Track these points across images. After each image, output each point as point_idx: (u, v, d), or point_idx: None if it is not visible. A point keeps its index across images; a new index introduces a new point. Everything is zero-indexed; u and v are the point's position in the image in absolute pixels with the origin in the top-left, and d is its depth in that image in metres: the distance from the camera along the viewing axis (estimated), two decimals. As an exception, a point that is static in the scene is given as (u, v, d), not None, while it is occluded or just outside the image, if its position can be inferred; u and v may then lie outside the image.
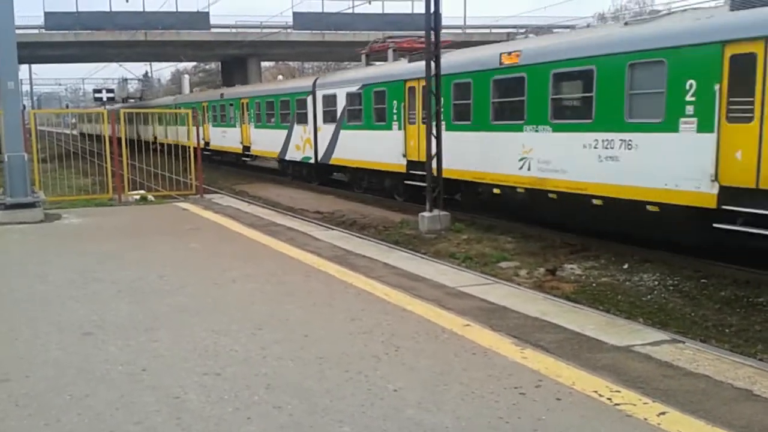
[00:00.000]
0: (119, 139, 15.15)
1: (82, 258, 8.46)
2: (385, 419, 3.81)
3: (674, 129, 10.30)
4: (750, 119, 9.34)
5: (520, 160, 13.30)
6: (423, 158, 16.08)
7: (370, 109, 18.82)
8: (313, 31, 43.34)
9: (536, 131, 12.93)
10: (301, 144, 23.29)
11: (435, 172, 14.32)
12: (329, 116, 21.20)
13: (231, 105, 30.30)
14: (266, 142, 26.37)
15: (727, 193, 9.66)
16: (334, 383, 4.32)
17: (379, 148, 18.28)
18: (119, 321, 5.75)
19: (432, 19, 14.07)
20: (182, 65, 77.55)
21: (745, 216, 9.47)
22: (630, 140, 11.05)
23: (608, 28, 13.25)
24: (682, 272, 10.35)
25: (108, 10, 41.80)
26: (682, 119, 10.18)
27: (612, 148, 11.35)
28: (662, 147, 10.52)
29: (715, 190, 9.77)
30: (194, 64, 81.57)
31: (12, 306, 6.34)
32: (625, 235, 11.77)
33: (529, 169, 13.12)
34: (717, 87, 9.64)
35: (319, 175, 23.41)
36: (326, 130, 21.37)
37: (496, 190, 14.24)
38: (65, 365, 4.72)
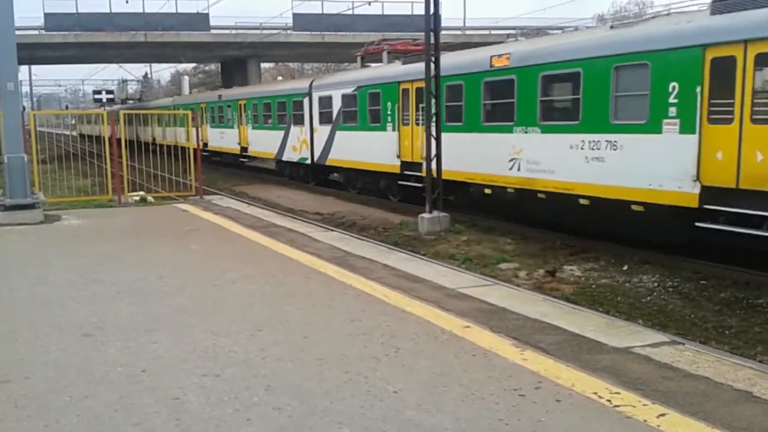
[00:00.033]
0: (119, 140, 15.16)
1: (81, 259, 8.45)
2: (384, 420, 3.81)
3: (658, 130, 10.52)
4: (730, 121, 9.55)
5: (510, 160, 13.51)
6: (416, 159, 16.48)
7: (365, 110, 19.02)
8: (313, 33, 43.32)
9: (526, 132, 13.14)
10: (298, 145, 23.50)
11: (428, 173, 14.32)
12: (325, 117, 21.39)
13: (229, 106, 30.51)
14: (263, 143, 26.57)
15: (708, 193, 9.86)
16: (333, 384, 4.32)
17: (374, 149, 18.49)
18: (119, 322, 5.75)
19: (431, 21, 14.09)
20: (182, 66, 77.69)
21: (726, 215, 9.67)
22: (615, 141, 11.28)
23: (594, 31, 13.49)
24: (681, 274, 10.35)
25: (108, 11, 41.76)
26: (665, 121, 10.40)
27: (598, 149, 11.58)
28: (646, 148, 10.75)
29: (697, 190, 9.97)
30: (194, 65, 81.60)
31: (12, 307, 6.34)
32: (624, 237, 11.78)
33: (518, 170, 13.33)
34: (698, 89, 9.86)
35: (316, 175, 23.63)
36: (322, 131, 21.58)
37: (487, 191, 14.44)
38: (65, 366, 4.72)
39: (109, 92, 56.25)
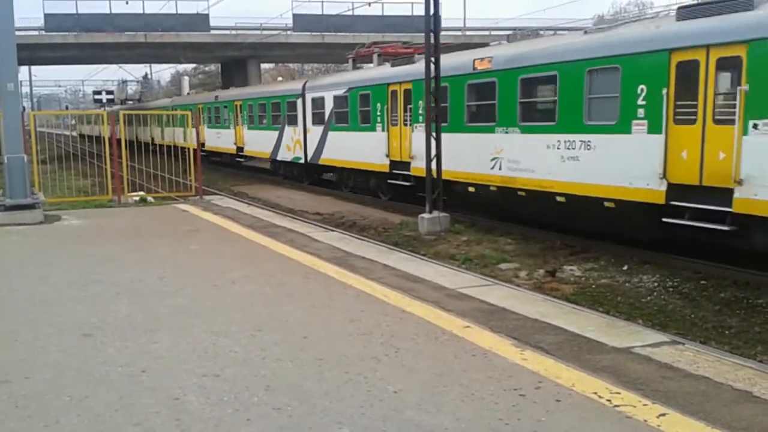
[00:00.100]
0: (119, 141, 15.16)
1: (81, 259, 8.45)
2: (384, 420, 3.80)
3: (627, 130, 10.99)
4: (694, 121, 10.01)
5: (492, 160, 13.97)
6: (405, 158, 17.16)
7: (356, 111, 19.52)
8: (313, 33, 43.31)
9: (506, 133, 13.62)
10: (292, 145, 24.00)
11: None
12: (318, 118, 21.89)
13: (225, 107, 31.04)
14: (259, 143, 27.07)
15: (674, 190, 10.30)
16: (333, 384, 4.32)
17: (364, 149, 19.01)
18: (119, 322, 5.75)
19: (431, 21, 14.09)
20: (182, 67, 77.63)
21: (691, 211, 10.09)
22: (589, 141, 11.75)
23: (570, 36, 14.01)
24: (681, 274, 10.35)
25: (108, 12, 41.73)
26: (635, 121, 10.87)
27: (573, 148, 12.06)
28: (617, 147, 11.22)
29: (664, 187, 10.41)
30: (194, 66, 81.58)
31: (12, 307, 6.34)
32: (625, 237, 11.80)
33: (500, 169, 13.80)
34: (665, 91, 10.28)
35: (309, 175, 24.14)
36: (315, 132, 22.08)
37: (471, 189, 14.86)
38: (65, 367, 4.72)
39: (109, 93, 56.29)
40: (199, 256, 8.77)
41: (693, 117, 10.01)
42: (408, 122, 16.98)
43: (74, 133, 56.00)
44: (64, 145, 43.52)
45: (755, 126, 9.20)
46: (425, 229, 13.90)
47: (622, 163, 11.05)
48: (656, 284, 10.05)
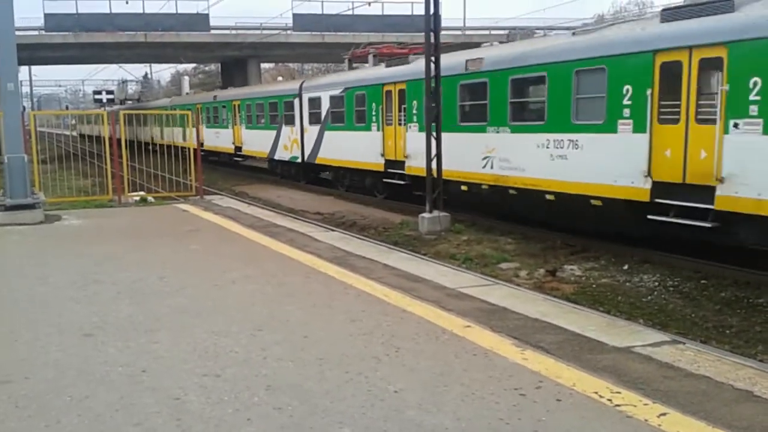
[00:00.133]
0: (119, 141, 15.15)
1: (82, 259, 8.45)
2: (385, 420, 3.80)
3: (613, 130, 11.25)
4: (677, 121, 10.24)
5: (484, 159, 14.22)
6: (399, 157, 17.45)
7: (352, 111, 19.76)
8: (313, 33, 43.30)
9: (497, 132, 13.89)
10: (289, 144, 24.22)
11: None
12: (314, 118, 22.13)
13: (223, 107, 31.32)
14: (256, 142, 27.31)
15: (659, 188, 10.53)
16: (334, 384, 4.32)
17: (360, 148, 19.25)
18: (119, 322, 5.75)
19: (431, 21, 14.09)
20: (182, 67, 77.65)
21: (675, 208, 10.32)
22: (576, 140, 12.02)
23: (558, 38, 14.24)
24: (682, 273, 10.35)
25: (108, 11, 41.73)
26: (620, 121, 11.12)
27: (562, 147, 12.33)
28: (603, 146, 11.47)
29: (648, 185, 10.65)
30: (194, 65, 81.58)
31: (12, 307, 6.34)
32: (625, 236, 11.81)
33: (492, 168, 14.05)
34: (649, 92, 10.52)
35: (306, 174, 24.39)
36: (312, 131, 22.31)
37: (464, 187, 15.05)
38: (65, 367, 4.72)
39: (109, 92, 56.28)
40: (199, 256, 8.77)
41: (676, 117, 10.23)
42: (402, 122, 17.24)
43: (74, 133, 56.04)
44: (64, 145, 43.55)
45: (736, 125, 9.42)
46: (425, 229, 13.90)
47: (608, 162, 11.28)
48: (657, 284, 10.05)
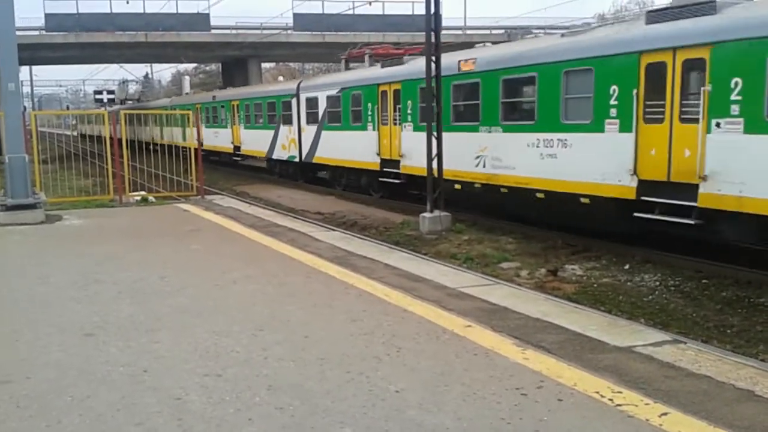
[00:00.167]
0: (120, 140, 15.15)
1: (83, 259, 8.46)
2: (386, 420, 3.80)
3: (601, 129, 11.47)
4: (662, 120, 10.43)
5: (476, 158, 14.44)
6: (395, 156, 17.65)
7: (348, 111, 20.00)
8: (314, 33, 43.29)
9: (489, 132, 14.11)
10: (287, 144, 24.44)
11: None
12: (312, 117, 22.35)
13: (222, 107, 31.55)
14: (255, 142, 27.54)
15: (644, 186, 10.75)
16: (335, 384, 4.32)
17: (356, 148, 19.50)
18: (120, 322, 5.75)
19: (432, 20, 14.08)
20: (183, 66, 77.70)
21: (660, 206, 10.53)
22: (565, 139, 12.24)
23: (548, 39, 14.43)
24: (683, 272, 10.35)
25: (109, 11, 41.74)
26: (607, 120, 11.34)
27: (551, 146, 12.55)
28: (591, 145, 11.70)
29: (635, 183, 10.87)
30: (195, 65, 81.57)
31: (13, 307, 6.34)
32: (626, 236, 11.81)
33: (484, 166, 14.28)
34: (635, 92, 10.73)
35: (304, 173, 24.63)
36: (309, 131, 22.54)
37: (457, 186, 15.19)
38: (66, 366, 4.72)
39: (110, 92, 56.22)
40: (200, 256, 8.77)
41: (661, 116, 10.42)
42: (397, 122, 17.40)
43: (75, 133, 56.07)
44: (65, 144, 43.58)
45: (718, 124, 9.59)
46: (426, 229, 13.90)
47: (596, 161, 11.49)
48: (658, 283, 10.05)
